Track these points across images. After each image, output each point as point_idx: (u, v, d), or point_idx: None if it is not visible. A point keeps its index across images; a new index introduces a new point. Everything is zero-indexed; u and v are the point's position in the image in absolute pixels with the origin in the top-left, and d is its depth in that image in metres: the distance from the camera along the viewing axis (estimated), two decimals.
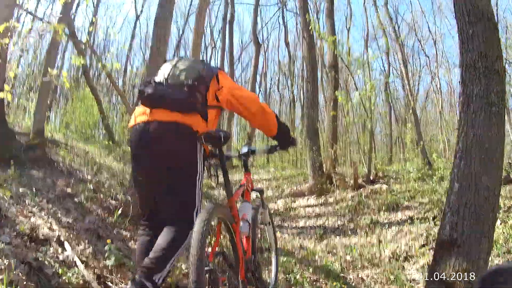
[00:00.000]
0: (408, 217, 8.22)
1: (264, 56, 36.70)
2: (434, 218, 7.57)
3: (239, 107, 3.39)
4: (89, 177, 7.14)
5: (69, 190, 6.00)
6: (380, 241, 7.22)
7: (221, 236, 4.23)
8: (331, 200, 10.80)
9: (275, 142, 3.91)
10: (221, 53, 24.95)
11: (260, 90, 36.67)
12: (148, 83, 3.17)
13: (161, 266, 2.77)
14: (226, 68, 24.31)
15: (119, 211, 5.69)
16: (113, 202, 6.25)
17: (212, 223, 2.68)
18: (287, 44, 33.34)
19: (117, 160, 11.28)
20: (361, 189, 10.80)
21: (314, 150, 11.84)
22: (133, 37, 32.43)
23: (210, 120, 3.16)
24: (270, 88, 40.03)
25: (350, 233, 8.16)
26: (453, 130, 19.88)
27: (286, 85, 37.61)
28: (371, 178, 11.69)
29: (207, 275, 2.57)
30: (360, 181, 11.25)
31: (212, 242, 3.08)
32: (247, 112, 3.43)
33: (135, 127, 3.09)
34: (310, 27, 12.17)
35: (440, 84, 27.60)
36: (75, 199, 5.73)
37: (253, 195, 4.32)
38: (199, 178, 3.08)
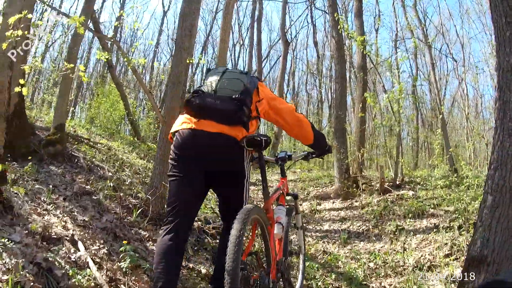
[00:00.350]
0: (433, 225, 7.97)
1: (292, 54, 36.54)
2: (459, 227, 7.32)
3: (277, 118, 3.69)
4: (110, 174, 7.04)
5: (88, 187, 5.89)
6: (404, 249, 7.02)
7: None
8: (356, 204, 10.59)
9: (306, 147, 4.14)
10: (249, 50, 24.76)
11: (288, 89, 36.49)
12: (196, 93, 3.30)
13: None
14: (254, 66, 24.19)
15: (139, 211, 5.58)
16: (133, 201, 6.13)
17: (249, 223, 2.82)
18: (315, 43, 33.06)
19: (141, 157, 11.23)
20: (387, 194, 10.57)
21: (341, 153, 11.61)
22: (160, 33, 32.71)
23: (251, 131, 3.32)
24: (298, 88, 39.81)
25: (374, 239, 7.96)
26: (480, 137, 19.40)
27: (314, 85, 37.35)
28: (397, 182, 11.43)
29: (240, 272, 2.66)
30: (386, 185, 11.00)
31: (247, 241, 3.33)
32: (284, 123, 3.73)
33: (181, 132, 3.26)
34: (339, 26, 11.94)
35: (467, 89, 26.94)
36: (94, 197, 5.61)
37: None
38: (247, 180, 3.32)
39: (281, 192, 4.04)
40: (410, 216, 8.64)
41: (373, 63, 12.71)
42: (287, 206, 4.11)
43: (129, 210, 5.71)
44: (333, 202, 11.36)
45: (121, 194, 6.13)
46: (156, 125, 20.80)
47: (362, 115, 12.50)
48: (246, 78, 3.45)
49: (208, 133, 3.14)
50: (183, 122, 3.29)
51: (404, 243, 7.32)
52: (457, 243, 6.56)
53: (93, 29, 13.00)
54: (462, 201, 8.73)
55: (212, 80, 3.42)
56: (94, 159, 7.75)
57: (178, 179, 3.23)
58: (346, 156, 11.74)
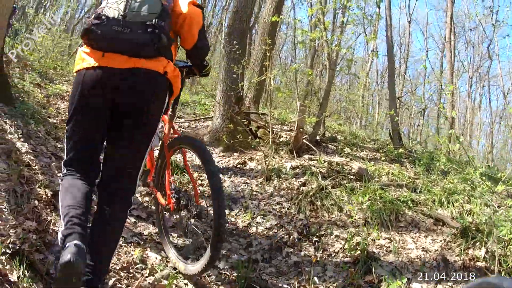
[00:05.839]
0: (436, 254, 3.72)
1: None
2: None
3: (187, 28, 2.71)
4: None
5: None
6: None
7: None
8: (252, 165, 5.93)
9: None
10: None
11: None
12: (97, 20, 2.36)
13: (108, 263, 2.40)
14: None
15: None
16: None
17: None
18: None
19: None
20: (305, 156, 6.13)
21: (233, 67, 6.38)
22: None
23: (174, 58, 2.69)
24: None
25: (315, 274, 3.41)
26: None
27: None
28: (317, 138, 6.96)
29: None
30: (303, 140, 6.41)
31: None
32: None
33: (83, 73, 2.38)
34: None
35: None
36: None
37: None
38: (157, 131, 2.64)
39: None
40: (376, 221, 4.23)
41: None
42: None
43: None
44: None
45: None
46: None
47: (276, 20, 7.30)
48: None
49: (119, 71, 2.32)
50: (84, 59, 2.39)
51: None
52: None
53: None
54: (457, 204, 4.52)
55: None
56: None
57: (83, 126, 2.42)
58: (241, 76, 6.71)
